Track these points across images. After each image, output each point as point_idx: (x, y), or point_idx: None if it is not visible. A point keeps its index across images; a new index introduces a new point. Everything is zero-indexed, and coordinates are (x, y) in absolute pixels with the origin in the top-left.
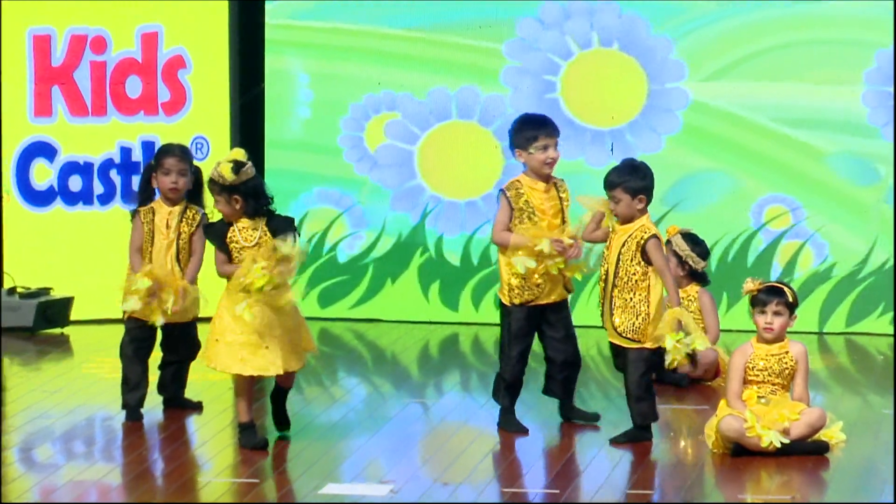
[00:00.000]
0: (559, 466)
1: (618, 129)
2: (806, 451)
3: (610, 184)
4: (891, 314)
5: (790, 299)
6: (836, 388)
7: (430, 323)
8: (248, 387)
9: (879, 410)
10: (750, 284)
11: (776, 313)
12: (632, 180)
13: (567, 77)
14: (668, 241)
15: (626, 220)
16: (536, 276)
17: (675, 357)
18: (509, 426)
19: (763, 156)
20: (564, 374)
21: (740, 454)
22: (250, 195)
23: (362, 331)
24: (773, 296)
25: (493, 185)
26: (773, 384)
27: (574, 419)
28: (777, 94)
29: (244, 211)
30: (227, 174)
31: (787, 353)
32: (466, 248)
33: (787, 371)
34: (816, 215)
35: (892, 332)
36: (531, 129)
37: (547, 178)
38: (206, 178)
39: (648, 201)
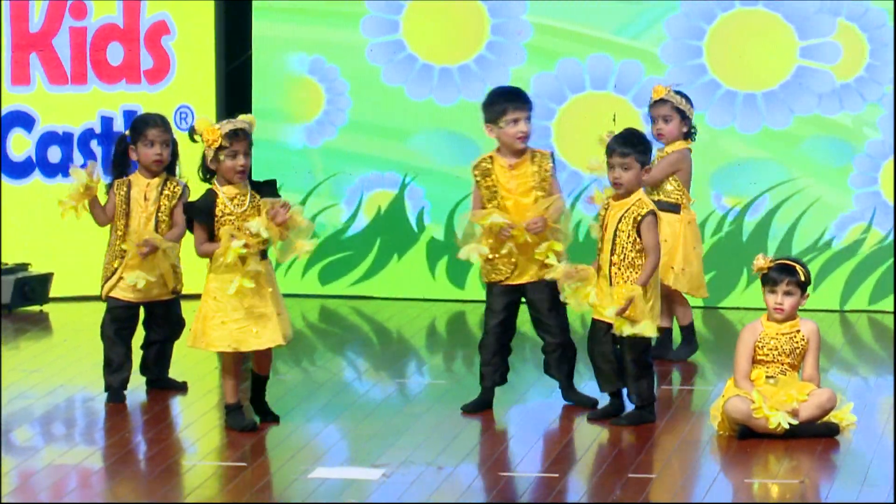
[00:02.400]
0: (558, 449)
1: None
2: (815, 434)
3: (622, 152)
4: None
5: (802, 278)
6: (852, 367)
7: (436, 300)
8: (234, 367)
9: (892, 391)
10: (761, 261)
11: (787, 293)
12: (643, 150)
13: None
14: (663, 100)
15: (629, 191)
16: (496, 256)
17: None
18: (471, 408)
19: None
20: (555, 354)
21: (747, 436)
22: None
23: (363, 308)
24: (784, 274)
25: None
26: (783, 364)
27: (572, 401)
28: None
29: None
30: (255, 124)
31: (797, 331)
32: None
33: (797, 350)
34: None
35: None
36: (501, 103)
37: (521, 153)
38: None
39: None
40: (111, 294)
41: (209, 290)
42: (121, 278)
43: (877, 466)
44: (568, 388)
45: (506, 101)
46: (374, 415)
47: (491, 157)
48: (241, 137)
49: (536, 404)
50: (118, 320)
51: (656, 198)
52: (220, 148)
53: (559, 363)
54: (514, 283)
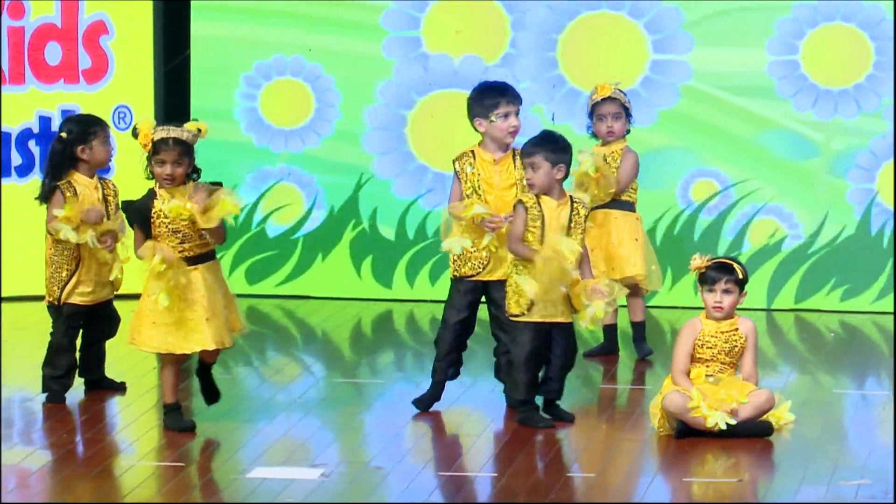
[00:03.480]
0: (497, 449)
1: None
2: (749, 433)
3: (527, 152)
4: (840, 290)
5: (740, 276)
6: (784, 366)
7: (363, 300)
8: (174, 367)
9: (829, 390)
10: (698, 261)
11: (725, 291)
12: (552, 148)
13: None
14: (611, 98)
15: (544, 190)
16: (476, 250)
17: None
18: (420, 403)
19: (708, 126)
20: (505, 357)
21: (685, 435)
22: (193, 161)
23: (292, 308)
24: (722, 273)
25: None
26: (722, 363)
27: (514, 406)
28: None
29: (189, 175)
30: (205, 132)
31: (736, 330)
32: (401, 221)
33: (736, 349)
34: (767, 189)
35: (842, 309)
36: (492, 97)
37: (506, 148)
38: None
39: (566, 174)
40: (69, 300)
41: (146, 288)
42: (79, 282)
43: (814, 464)
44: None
45: (499, 96)
46: (311, 414)
47: (473, 152)
48: (168, 147)
49: (476, 405)
50: (75, 326)
51: (619, 197)
52: (150, 153)
53: (509, 367)
54: (483, 279)
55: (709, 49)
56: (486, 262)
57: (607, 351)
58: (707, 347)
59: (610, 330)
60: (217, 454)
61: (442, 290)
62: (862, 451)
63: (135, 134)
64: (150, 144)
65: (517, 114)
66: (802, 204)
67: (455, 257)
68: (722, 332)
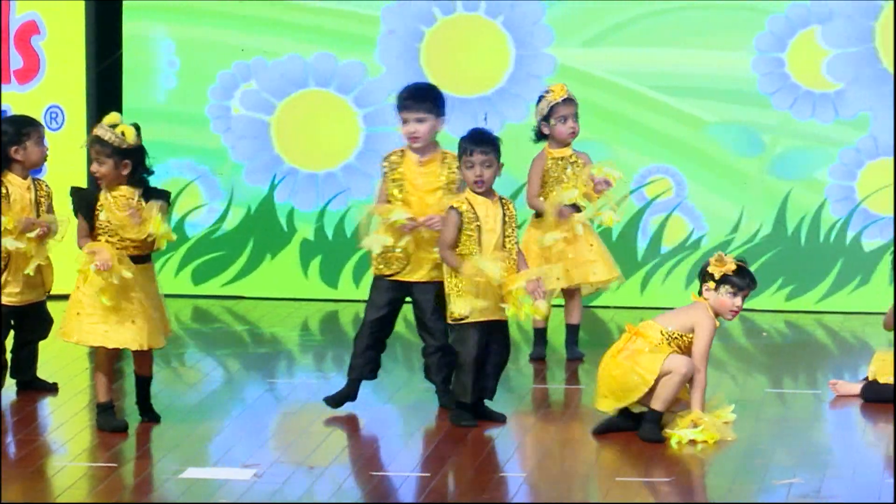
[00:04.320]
0: (430, 449)
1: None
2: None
3: (482, 150)
4: (786, 290)
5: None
6: (722, 365)
7: (309, 300)
8: (108, 365)
9: (762, 389)
10: (728, 261)
11: (745, 297)
12: (499, 147)
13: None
14: (571, 99)
15: (490, 189)
16: (391, 250)
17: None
18: (332, 401)
19: (642, 125)
20: (434, 357)
21: (605, 432)
22: (140, 162)
23: (236, 308)
24: (750, 281)
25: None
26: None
27: (445, 406)
28: (659, 61)
29: (129, 177)
30: (131, 137)
31: None
32: (319, 220)
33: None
34: (698, 187)
35: (781, 308)
36: (401, 101)
37: (430, 151)
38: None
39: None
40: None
41: (78, 282)
42: (6, 283)
43: (747, 463)
44: (445, 392)
45: (402, 100)
46: (245, 414)
47: (402, 151)
48: (97, 146)
49: (409, 405)
50: (4, 327)
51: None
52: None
53: (438, 367)
54: (403, 279)
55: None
56: (405, 263)
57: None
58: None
59: (541, 332)
60: (151, 454)
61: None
62: (795, 451)
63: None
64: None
65: (416, 120)
66: (741, 203)
67: (376, 256)
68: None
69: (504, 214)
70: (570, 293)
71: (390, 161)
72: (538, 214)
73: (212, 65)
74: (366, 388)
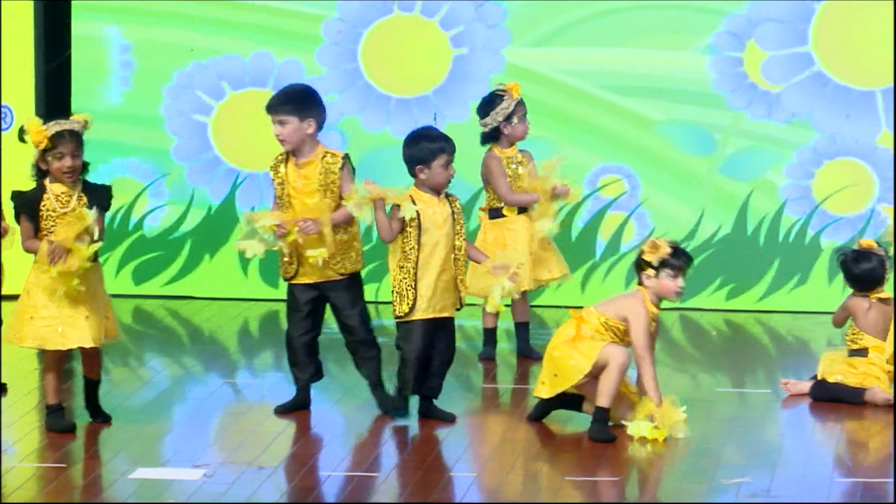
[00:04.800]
0: (378, 449)
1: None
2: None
3: (445, 150)
4: (726, 289)
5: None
6: (668, 365)
7: (249, 300)
8: (57, 366)
9: (712, 389)
10: (662, 245)
11: (685, 276)
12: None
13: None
14: (523, 101)
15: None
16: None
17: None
18: (281, 409)
19: (593, 124)
20: (357, 352)
21: (539, 418)
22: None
23: (177, 308)
24: (689, 260)
25: None
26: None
27: (376, 401)
28: (609, 61)
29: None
30: (89, 125)
31: (656, 315)
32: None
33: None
34: (649, 186)
35: (727, 308)
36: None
37: (309, 153)
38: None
39: None
40: None
41: (27, 284)
42: None
43: (696, 463)
44: (373, 387)
45: (268, 102)
46: (193, 415)
47: (286, 155)
48: (66, 139)
49: (358, 404)
50: None
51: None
52: (47, 149)
53: (364, 361)
54: (307, 281)
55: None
56: (296, 266)
57: (527, 353)
58: (650, 332)
59: (490, 332)
60: (99, 455)
61: None
62: (744, 450)
63: (22, 135)
64: (45, 140)
65: (280, 123)
66: (689, 203)
67: (282, 261)
68: (654, 320)
69: (452, 212)
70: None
71: (274, 165)
72: (521, 210)
73: (167, 65)
74: (314, 388)
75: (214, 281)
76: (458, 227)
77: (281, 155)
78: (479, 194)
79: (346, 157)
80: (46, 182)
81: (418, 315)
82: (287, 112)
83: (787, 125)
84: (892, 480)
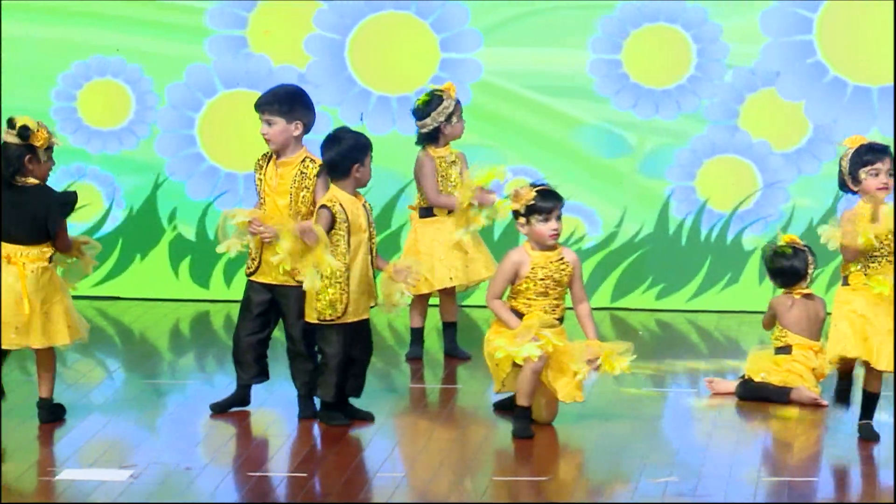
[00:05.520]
0: (307, 449)
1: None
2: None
3: (364, 151)
4: (656, 289)
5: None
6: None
7: (180, 301)
8: None
9: (638, 388)
10: (525, 192)
11: (558, 218)
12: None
13: None
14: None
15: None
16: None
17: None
18: (217, 407)
19: (512, 124)
20: (293, 364)
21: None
22: None
23: (106, 309)
24: (555, 200)
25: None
26: (554, 297)
27: (305, 417)
28: (525, 61)
29: None
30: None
31: (562, 259)
32: (201, 221)
33: (564, 279)
34: (570, 186)
35: (656, 307)
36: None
37: (291, 153)
38: None
39: None
40: None
41: None
42: None
43: (623, 462)
44: (301, 398)
45: (257, 101)
46: (121, 416)
47: (270, 154)
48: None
49: (286, 405)
50: None
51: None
52: (46, 149)
53: (298, 373)
54: (264, 280)
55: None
56: (257, 263)
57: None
58: (540, 279)
59: (418, 332)
60: (25, 456)
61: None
62: (670, 449)
63: (26, 132)
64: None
65: (267, 122)
66: (614, 203)
67: (249, 259)
68: (551, 263)
69: (368, 214)
70: (447, 291)
71: (258, 162)
72: (452, 210)
73: (53, 65)
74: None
75: (144, 282)
76: (371, 229)
77: (267, 153)
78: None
79: (324, 167)
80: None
81: (349, 318)
82: (275, 112)
83: (678, 119)
84: (818, 480)
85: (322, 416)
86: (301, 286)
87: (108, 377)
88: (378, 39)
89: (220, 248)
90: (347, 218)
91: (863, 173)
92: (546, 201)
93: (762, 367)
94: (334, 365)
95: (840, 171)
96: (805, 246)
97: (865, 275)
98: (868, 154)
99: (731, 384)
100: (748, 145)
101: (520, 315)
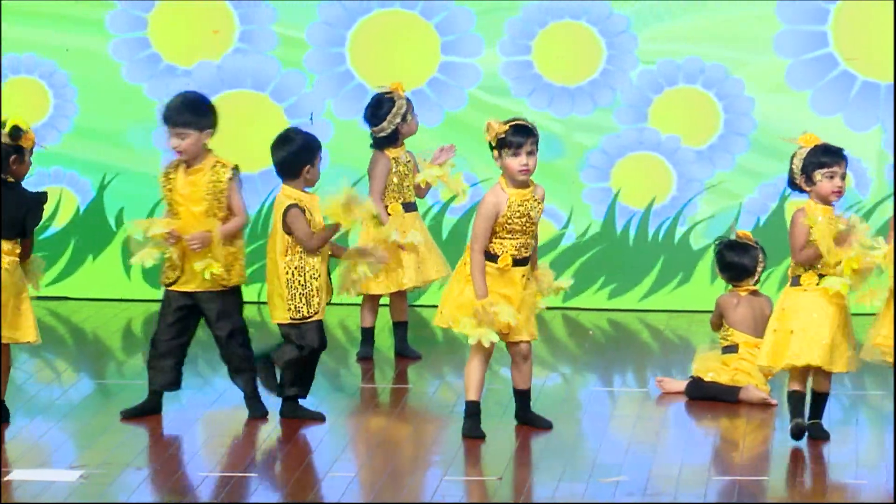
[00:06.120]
0: (255, 450)
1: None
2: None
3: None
4: (608, 289)
5: (538, 136)
6: (547, 363)
7: (132, 301)
8: None
9: (590, 387)
10: (497, 126)
11: (530, 153)
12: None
13: None
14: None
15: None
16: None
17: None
18: (131, 412)
19: (461, 122)
20: (230, 366)
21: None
22: None
23: (56, 309)
24: (526, 135)
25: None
26: (529, 234)
27: (256, 417)
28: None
29: None
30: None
31: (534, 196)
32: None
33: (537, 217)
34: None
35: (609, 307)
36: (163, 113)
37: (199, 161)
38: None
39: None
40: None
41: None
42: None
43: (573, 461)
44: (247, 398)
45: (163, 113)
46: (71, 416)
47: (178, 163)
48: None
49: (237, 405)
50: None
51: (410, 200)
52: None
53: (238, 374)
54: (183, 289)
55: None
56: (179, 273)
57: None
58: (517, 217)
59: (368, 331)
60: None
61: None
62: (621, 449)
63: (18, 133)
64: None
65: (178, 135)
66: (564, 203)
67: (164, 267)
68: (527, 200)
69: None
70: (398, 291)
71: (165, 173)
72: (409, 208)
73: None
74: (193, 388)
75: (96, 282)
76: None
77: (175, 162)
78: None
79: (236, 169)
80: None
81: (320, 315)
82: (187, 125)
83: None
84: (767, 479)
85: (300, 413)
86: (226, 290)
87: (57, 377)
88: (380, 35)
89: (133, 261)
90: (312, 216)
91: (818, 174)
92: (516, 135)
93: (710, 366)
94: (300, 360)
95: (791, 169)
96: (756, 243)
97: (819, 276)
98: (825, 156)
99: (681, 384)
100: (658, 142)
101: (494, 257)
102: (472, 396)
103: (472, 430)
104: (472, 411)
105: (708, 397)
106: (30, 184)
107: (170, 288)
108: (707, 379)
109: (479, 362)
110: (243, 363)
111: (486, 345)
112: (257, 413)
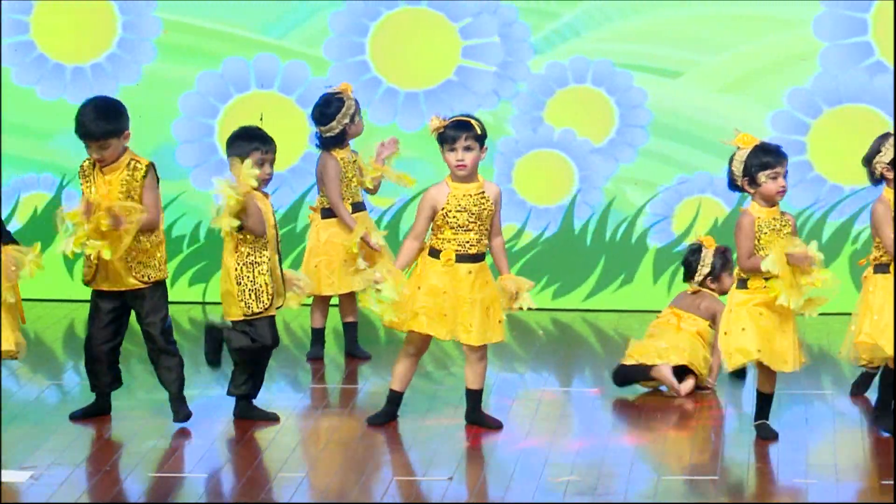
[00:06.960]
0: (206, 449)
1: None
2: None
3: (261, 149)
4: (552, 288)
5: (479, 132)
6: (494, 364)
7: (75, 301)
8: None
9: (538, 388)
10: (436, 122)
11: (467, 148)
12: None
13: None
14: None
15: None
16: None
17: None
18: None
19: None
20: (157, 365)
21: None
22: None
23: None
24: (461, 130)
25: None
26: (477, 230)
27: (181, 421)
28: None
29: None
30: None
31: (482, 193)
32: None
33: (485, 213)
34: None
35: (553, 307)
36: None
37: (115, 159)
38: None
39: None
40: None
41: None
42: None
43: (524, 461)
44: (173, 399)
45: (76, 127)
46: (21, 416)
47: (94, 161)
48: None
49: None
50: None
51: (358, 200)
52: None
53: (164, 371)
54: (110, 288)
55: None
56: (94, 271)
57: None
58: (458, 211)
59: (318, 332)
60: None
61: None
62: (571, 448)
63: None
64: None
65: (101, 147)
66: (516, 203)
67: (85, 267)
68: (470, 196)
69: (272, 212)
70: (348, 292)
71: (82, 170)
72: (357, 209)
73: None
74: (142, 388)
75: (39, 282)
76: (276, 228)
77: (89, 159)
78: None
79: (151, 166)
80: None
81: (272, 311)
82: (108, 136)
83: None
84: (717, 478)
85: (250, 410)
86: (148, 286)
87: (7, 378)
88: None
89: (59, 249)
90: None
91: (762, 176)
92: (452, 130)
93: (636, 352)
94: (257, 356)
95: (731, 171)
96: (718, 249)
97: (766, 279)
98: (767, 156)
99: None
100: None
101: (437, 253)
102: (395, 387)
103: (376, 419)
104: (392, 400)
105: (627, 381)
106: None
107: (94, 287)
108: (627, 363)
109: (405, 355)
110: (170, 360)
111: (386, 322)
112: (181, 416)
